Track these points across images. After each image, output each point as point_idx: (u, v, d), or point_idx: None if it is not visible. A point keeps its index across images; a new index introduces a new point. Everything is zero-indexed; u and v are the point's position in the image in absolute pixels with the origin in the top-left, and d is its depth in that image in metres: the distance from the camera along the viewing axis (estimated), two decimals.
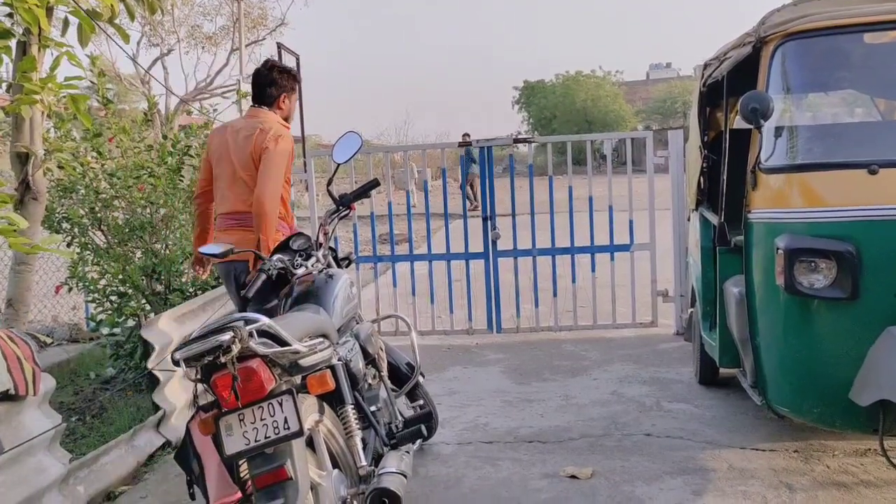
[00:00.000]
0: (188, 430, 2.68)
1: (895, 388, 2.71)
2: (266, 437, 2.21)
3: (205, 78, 24.27)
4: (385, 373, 3.49)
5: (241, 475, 2.32)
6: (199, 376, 2.24)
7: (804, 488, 3.30)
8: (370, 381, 3.34)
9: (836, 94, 4.17)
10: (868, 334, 2.93)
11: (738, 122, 3.97)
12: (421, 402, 3.83)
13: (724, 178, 3.90)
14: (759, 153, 3.34)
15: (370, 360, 3.34)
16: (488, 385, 5.10)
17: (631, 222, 6.30)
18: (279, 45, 7.87)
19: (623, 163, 6.64)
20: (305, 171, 6.97)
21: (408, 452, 3.10)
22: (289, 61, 7.77)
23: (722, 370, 4.37)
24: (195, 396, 2.34)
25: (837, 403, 3.04)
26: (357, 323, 3.45)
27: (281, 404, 2.23)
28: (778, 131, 3.36)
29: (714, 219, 4.19)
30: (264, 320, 2.28)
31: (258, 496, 2.24)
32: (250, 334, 2.20)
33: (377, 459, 2.95)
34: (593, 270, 6.37)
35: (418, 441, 3.43)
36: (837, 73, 3.72)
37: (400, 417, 3.35)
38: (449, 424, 4.32)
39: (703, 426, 4.09)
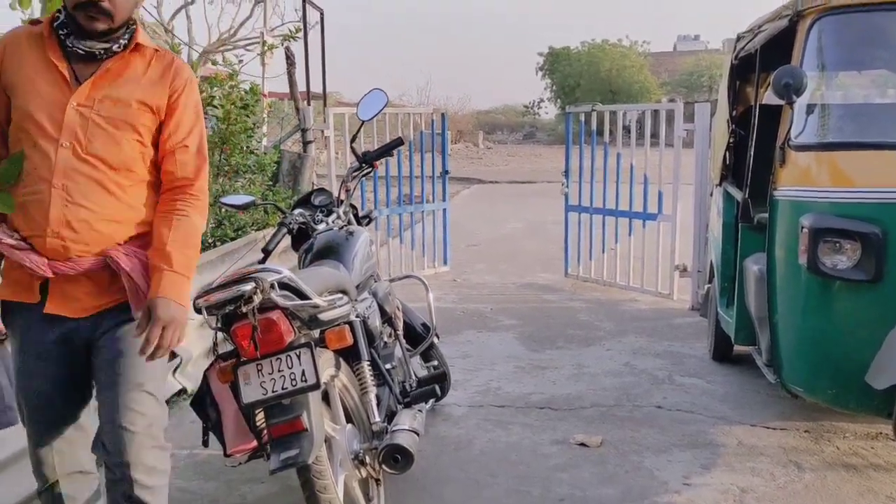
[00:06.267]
0: (205, 378, 2.71)
1: None
2: (283, 388, 2.23)
3: (228, 29, 24.12)
4: (401, 332, 3.50)
5: (258, 424, 2.34)
6: (219, 325, 2.26)
7: (813, 468, 3.31)
8: (386, 339, 3.36)
9: (870, 74, 4.09)
10: (888, 318, 2.90)
11: (769, 98, 3.91)
12: (435, 362, 3.86)
13: (751, 153, 3.85)
14: (789, 129, 3.29)
15: (387, 318, 3.35)
16: (501, 350, 5.12)
17: (660, 193, 6.39)
18: (304, 0, 7.80)
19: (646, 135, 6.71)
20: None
21: (420, 411, 3.13)
22: (313, 16, 7.73)
23: (736, 347, 4.36)
24: (214, 345, 2.36)
25: (852, 385, 3.02)
26: (375, 281, 3.46)
27: (299, 357, 2.25)
28: (810, 108, 3.30)
29: (738, 195, 4.14)
30: (286, 273, 2.29)
31: (273, 445, 2.27)
32: (272, 286, 2.22)
33: (390, 417, 2.98)
34: (617, 241, 6.83)
35: (431, 401, 3.46)
36: (875, 52, 3.64)
37: (414, 377, 3.37)
38: (461, 387, 4.35)
39: (714, 401, 4.10)
